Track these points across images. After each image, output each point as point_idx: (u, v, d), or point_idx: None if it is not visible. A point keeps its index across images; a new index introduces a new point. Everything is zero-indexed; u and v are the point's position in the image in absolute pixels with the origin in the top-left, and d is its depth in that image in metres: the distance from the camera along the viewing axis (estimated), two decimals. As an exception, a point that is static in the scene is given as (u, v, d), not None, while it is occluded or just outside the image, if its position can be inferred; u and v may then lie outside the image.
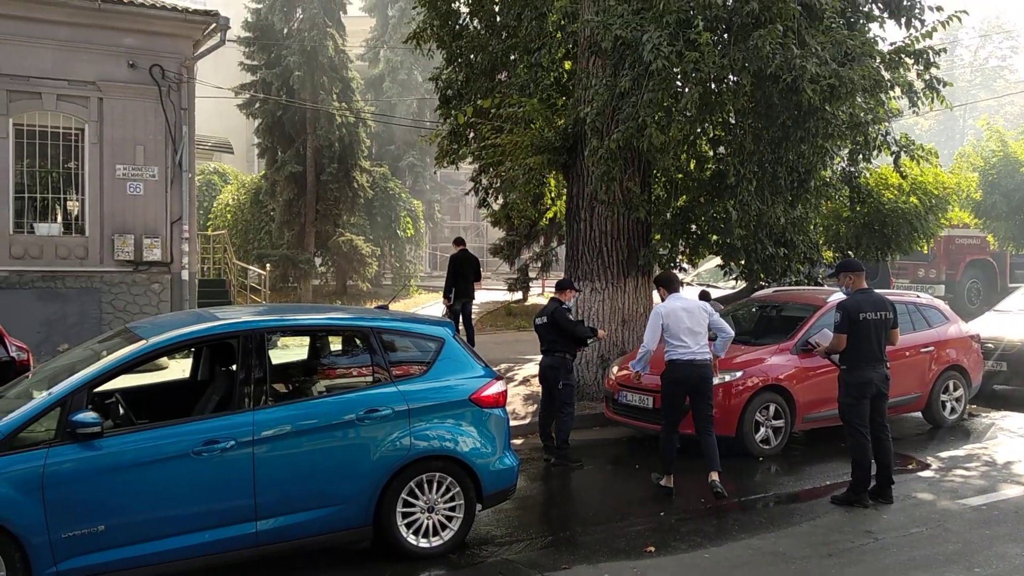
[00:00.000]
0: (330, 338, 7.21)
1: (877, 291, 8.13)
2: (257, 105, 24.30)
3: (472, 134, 14.11)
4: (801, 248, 11.82)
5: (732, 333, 8.19)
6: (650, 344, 7.93)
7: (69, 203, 14.40)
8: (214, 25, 14.59)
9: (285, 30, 24.18)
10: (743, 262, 11.97)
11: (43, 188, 14.09)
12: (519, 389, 12.13)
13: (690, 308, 7.87)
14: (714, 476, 7.74)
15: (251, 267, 21.67)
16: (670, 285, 8.14)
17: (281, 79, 23.54)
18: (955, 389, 10.78)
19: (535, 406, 10.91)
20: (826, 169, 11.94)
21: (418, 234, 28.66)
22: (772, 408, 9.21)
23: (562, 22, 11.87)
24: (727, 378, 9.06)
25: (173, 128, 14.48)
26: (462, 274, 13.93)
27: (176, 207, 14.63)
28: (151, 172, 14.39)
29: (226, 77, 22.82)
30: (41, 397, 5.21)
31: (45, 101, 13.74)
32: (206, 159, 27.43)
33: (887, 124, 11.34)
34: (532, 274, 22.79)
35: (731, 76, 9.91)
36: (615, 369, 10.20)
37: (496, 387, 6.49)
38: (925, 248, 15.42)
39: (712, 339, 8.00)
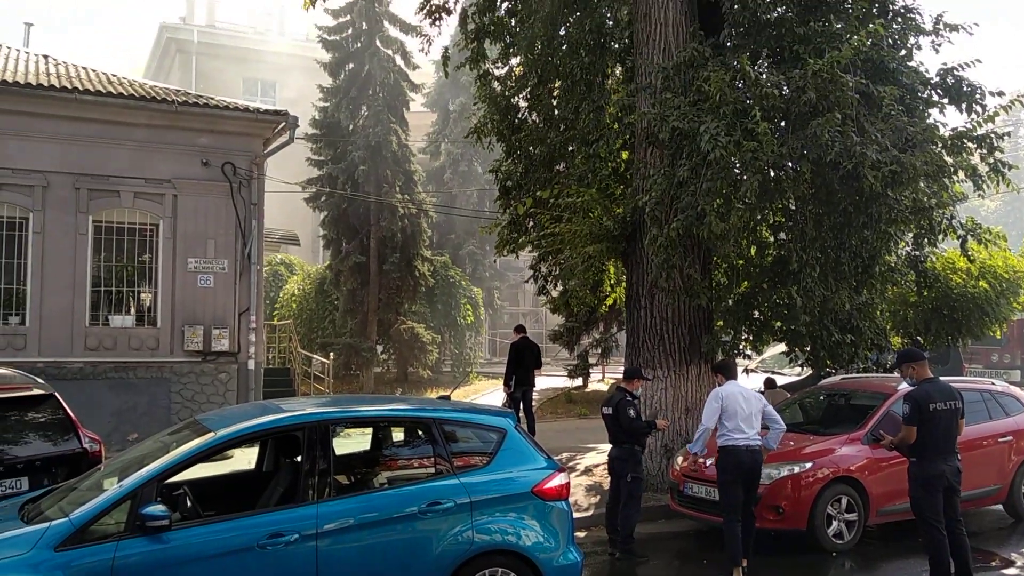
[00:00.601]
0: (392, 428, 7.24)
1: (943, 379, 7.89)
2: (323, 198, 25.02)
3: (531, 223, 14.32)
4: (868, 334, 11.58)
5: (784, 426, 8.24)
6: (708, 423, 8.02)
7: (142, 295, 14.88)
8: (283, 124, 15.19)
9: (351, 126, 25.04)
10: (808, 348, 11.76)
11: (118, 281, 14.60)
12: (581, 479, 11.95)
13: (747, 395, 8.06)
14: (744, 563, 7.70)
15: (315, 356, 21.99)
16: (728, 372, 8.27)
17: (346, 173, 24.26)
18: (1038, 480, 10.30)
19: (598, 497, 10.73)
20: (890, 254, 11.77)
21: (478, 321, 28.83)
22: (844, 501, 8.90)
23: (619, 114, 12.11)
24: (796, 469, 8.82)
25: (243, 222, 14.97)
26: (522, 362, 13.93)
27: (244, 298, 15.01)
28: (221, 265, 14.85)
29: (293, 171, 23.61)
30: (112, 490, 5.31)
31: (123, 199, 14.36)
32: (273, 251, 28.22)
33: (952, 208, 11.19)
34: (592, 360, 22.65)
35: (790, 164, 9.92)
36: (679, 460, 10.00)
37: (559, 479, 6.41)
38: (998, 333, 14.99)
39: (764, 428, 7.98)
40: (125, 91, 14.50)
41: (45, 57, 16.13)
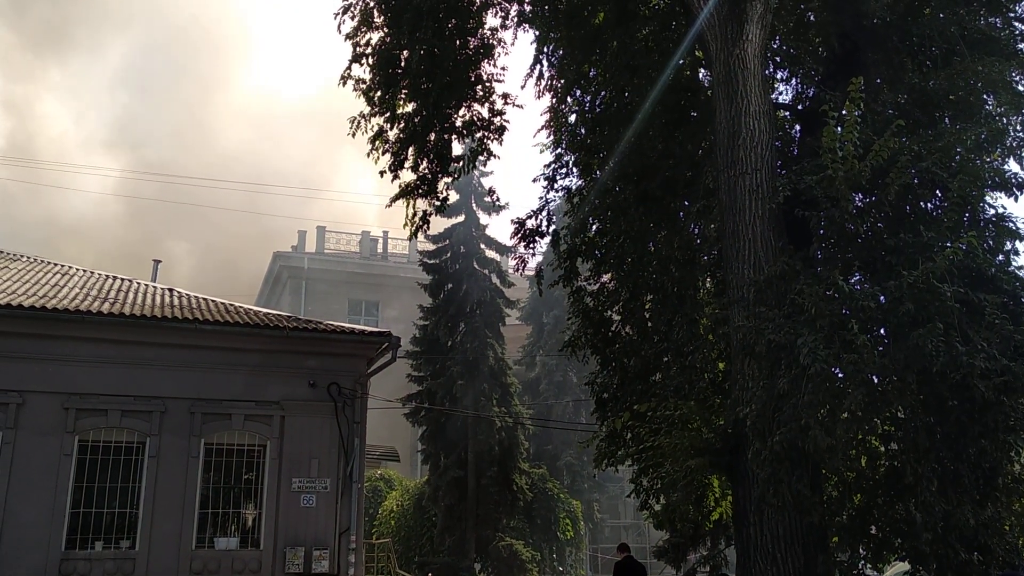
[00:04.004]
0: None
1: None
2: (422, 414, 25.44)
3: (629, 436, 14.17)
4: (998, 552, 10.74)
5: None
6: None
7: (246, 516, 15.05)
8: (386, 344, 15.79)
9: (449, 342, 25.82)
10: (934, 567, 10.95)
11: (224, 502, 14.84)
12: None
13: None
14: None
15: (412, 576, 21.58)
16: None
17: (445, 388, 24.77)
18: None
19: None
20: (1013, 464, 11.12)
21: (577, 536, 27.96)
22: None
23: (713, 326, 12.20)
24: None
25: (346, 441, 15.26)
26: (627, 583, 13.37)
27: (345, 518, 15.03)
28: (324, 484, 15.02)
29: (394, 387, 24.23)
30: None
31: (234, 421, 14.91)
32: (373, 467, 28.43)
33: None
34: (701, 578, 21.47)
35: (894, 375, 9.71)
36: None
37: None
38: None
39: None
40: (241, 319, 15.43)
41: (170, 290, 17.43)
